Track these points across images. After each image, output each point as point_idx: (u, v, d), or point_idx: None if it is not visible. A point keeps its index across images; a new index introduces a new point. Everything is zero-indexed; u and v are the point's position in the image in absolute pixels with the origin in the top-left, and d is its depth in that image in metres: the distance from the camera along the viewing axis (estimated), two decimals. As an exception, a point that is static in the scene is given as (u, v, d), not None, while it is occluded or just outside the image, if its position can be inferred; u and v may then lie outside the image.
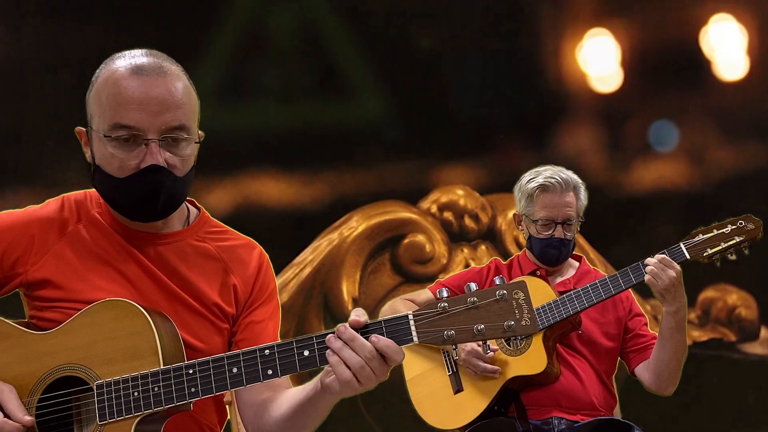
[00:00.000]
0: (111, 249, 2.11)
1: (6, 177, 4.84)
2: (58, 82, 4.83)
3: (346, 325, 1.88)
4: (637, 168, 5.36)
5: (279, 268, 4.95)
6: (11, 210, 2.16)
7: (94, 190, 2.15)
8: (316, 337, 1.90)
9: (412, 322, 1.87)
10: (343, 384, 1.88)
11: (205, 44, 5.03)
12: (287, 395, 2.09)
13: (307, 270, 4.99)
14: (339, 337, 1.87)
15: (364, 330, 1.88)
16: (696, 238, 3.21)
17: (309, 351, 1.89)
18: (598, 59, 5.32)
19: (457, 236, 5.16)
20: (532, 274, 3.46)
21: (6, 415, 1.95)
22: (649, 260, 3.16)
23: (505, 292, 1.85)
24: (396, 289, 5.07)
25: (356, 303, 4.99)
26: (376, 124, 5.30)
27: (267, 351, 1.91)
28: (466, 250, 5.14)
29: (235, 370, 1.91)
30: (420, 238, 5.09)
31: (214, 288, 2.14)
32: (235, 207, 4.99)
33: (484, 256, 5.11)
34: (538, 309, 3.28)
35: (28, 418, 1.95)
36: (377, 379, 1.87)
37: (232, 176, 5.00)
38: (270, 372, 1.90)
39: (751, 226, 3.20)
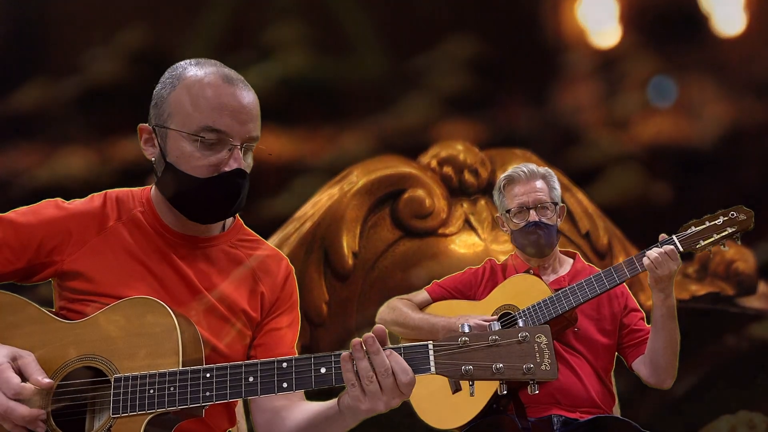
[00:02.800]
0: (148, 249, 2.16)
1: (7, 132, 4.85)
2: (62, 39, 4.83)
3: (374, 336, 1.89)
4: (636, 123, 5.37)
5: (279, 223, 4.98)
6: (56, 199, 2.20)
7: (138, 189, 2.21)
8: (334, 355, 1.92)
9: (431, 352, 1.89)
10: (353, 398, 1.90)
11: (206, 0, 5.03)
12: (305, 407, 2.13)
13: (308, 224, 5.00)
14: (367, 349, 1.88)
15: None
16: (688, 231, 3.19)
17: (326, 368, 1.92)
18: (597, 15, 5.32)
19: (456, 191, 5.18)
20: (526, 273, 3.49)
21: (25, 380, 1.97)
22: (654, 249, 3.17)
23: (527, 334, 1.88)
24: (396, 243, 5.10)
25: (356, 257, 5.02)
26: (376, 79, 5.30)
27: (285, 364, 1.93)
28: (465, 205, 5.16)
29: (251, 379, 1.93)
30: (420, 192, 5.10)
31: (243, 295, 2.20)
32: (236, 162, 4.99)
33: (483, 211, 5.13)
34: (533, 306, 3.31)
35: (47, 381, 1.98)
36: (384, 396, 1.88)
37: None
38: (285, 385, 1.92)
39: (742, 216, 3.18)
